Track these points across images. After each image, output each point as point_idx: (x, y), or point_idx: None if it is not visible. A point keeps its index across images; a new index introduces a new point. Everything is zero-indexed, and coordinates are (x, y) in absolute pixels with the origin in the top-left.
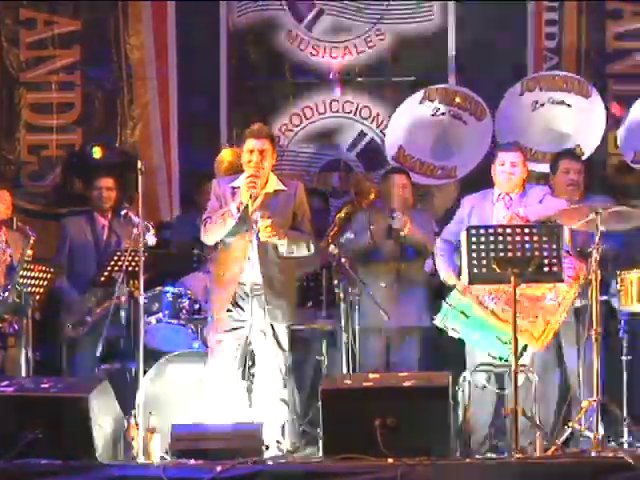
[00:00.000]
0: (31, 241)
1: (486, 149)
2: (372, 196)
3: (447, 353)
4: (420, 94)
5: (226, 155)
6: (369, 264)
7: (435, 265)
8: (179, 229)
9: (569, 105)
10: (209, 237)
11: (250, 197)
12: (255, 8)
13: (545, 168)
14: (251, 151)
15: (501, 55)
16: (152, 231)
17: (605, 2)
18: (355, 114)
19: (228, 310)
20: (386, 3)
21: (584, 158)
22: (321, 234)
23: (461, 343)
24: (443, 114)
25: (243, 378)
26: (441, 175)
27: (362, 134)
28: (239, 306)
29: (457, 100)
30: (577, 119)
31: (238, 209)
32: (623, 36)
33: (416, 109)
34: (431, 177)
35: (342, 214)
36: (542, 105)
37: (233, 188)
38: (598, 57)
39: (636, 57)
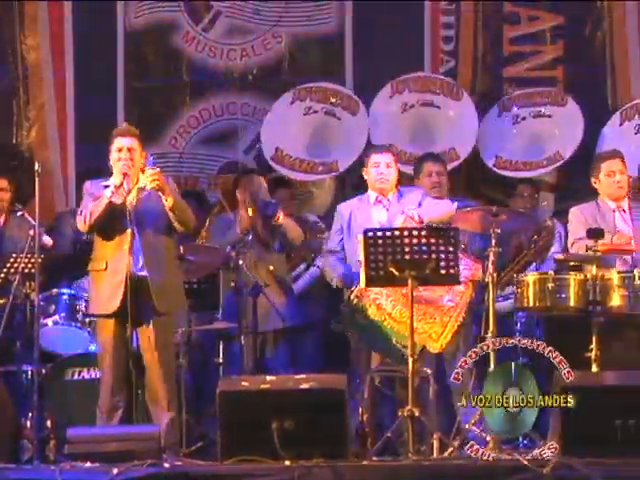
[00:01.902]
0: None
1: (364, 142)
2: (267, 196)
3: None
4: (290, 95)
5: None
6: None
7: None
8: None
9: (439, 107)
10: (84, 220)
11: (124, 176)
12: (152, 9)
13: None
14: (120, 149)
15: (399, 57)
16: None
17: (502, 7)
18: (252, 116)
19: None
20: (284, 5)
21: (460, 161)
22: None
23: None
24: (316, 112)
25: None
26: (323, 170)
27: (259, 136)
28: (124, 306)
29: (329, 97)
30: (448, 122)
31: (112, 192)
32: (519, 40)
33: (288, 110)
34: (312, 173)
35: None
36: (412, 107)
37: (105, 187)
38: (494, 61)
39: (532, 61)
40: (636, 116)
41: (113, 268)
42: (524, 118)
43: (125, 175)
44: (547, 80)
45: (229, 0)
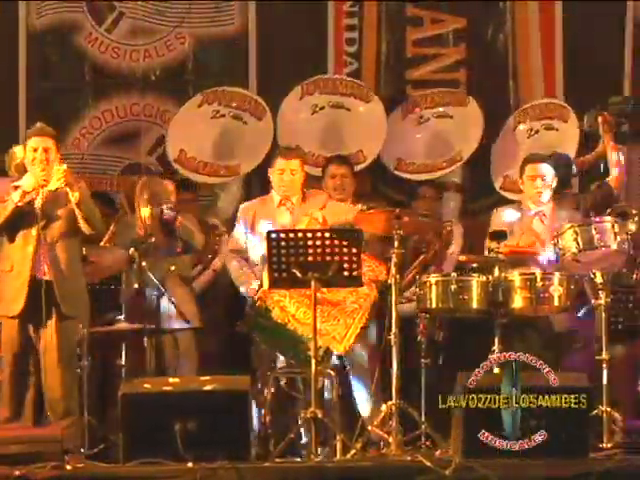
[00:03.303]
0: None
1: (268, 146)
2: (173, 197)
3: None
4: (199, 98)
5: (19, 152)
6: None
7: None
8: None
9: (348, 109)
10: None
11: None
12: (54, 10)
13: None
14: (35, 149)
15: (303, 58)
16: None
17: (405, 9)
18: (156, 117)
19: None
20: (187, 6)
21: (366, 163)
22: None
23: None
24: (223, 116)
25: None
26: (225, 173)
27: (162, 138)
28: (27, 308)
29: (236, 101)
30: (358, 123)
31: (21, 197)
32: (422, 42)
33: (195, 112)
34: (215, 176)
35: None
36: (322, 109)
37: (16, 187)
38: (397, 63)
39: (435, 63)
40: (528, 120)
41: (18, 270)
42: (428, 119)
43: (41, 186)
44: (450, 82)
45: (132, 1)
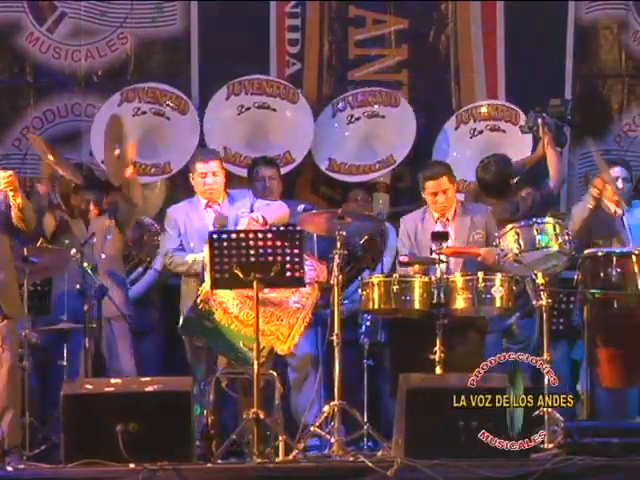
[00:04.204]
0: None
1: (196, 142)
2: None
3: None
4: (118, 96)
5: None
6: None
7: None
8: None
9: (275, 110)
10: None
11: None
12: None
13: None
14: None
15: (245, 59)
16: None
17: (347, 10)
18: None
19: None
20: (129, 6)
21: (295, 164)
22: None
23: None
24: (144, 113)
25: None
26: (156, 172)
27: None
28: None
29: (158, 97)
30: (284, 124)
31: None
32: (364, 43)
33: (116, 111)
34: (146, 175)
35: None
36: (248, 109)
37: None
38: (340, 64)
39: (377, 64)
40: (471, 120)
41: None
42: (358, 118)
43: None
44: (392, 83)
45: (74, 1)
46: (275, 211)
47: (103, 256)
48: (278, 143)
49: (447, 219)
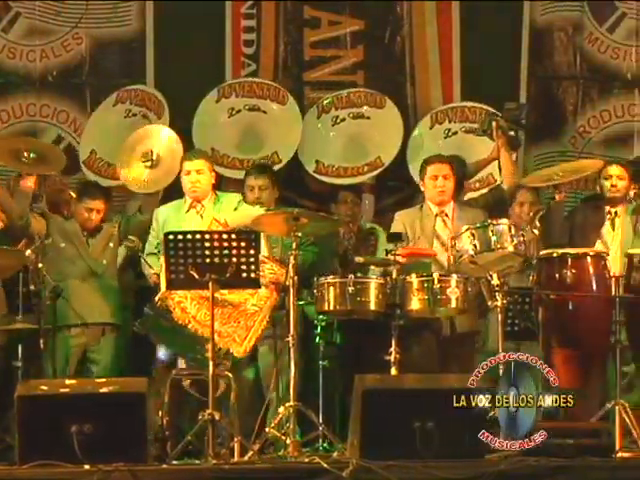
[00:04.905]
0: None
1: None
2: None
3: None
4: (114, 97)
5: None
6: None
7: None
8: None
9: (265, 112)
10: None
11: None
12: None
13: (240, 175)
14: None
15: (201, 59)
16: None
17: (302, 11)
18: (52, 118)
19: None
20: (84, 6)
21: (282, 165)
22: None
23: None
24: (135, 115)
25: None
26: None
27: (59, 138)
28: None
29: (147, 100)
30: (274, 126)
31: None
32: (320, 44)
33: (110, 112)
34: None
35: None
36: (238, 112)
37: None
38: (295, 65)
39: (332, 65)
40: (446, 120)
41: None
42: (343, 119)
43: None
44: (348, 84)
45: (29, 0)
46: (251, 216)
47: (105, 262)
48: (267, 144)
49: (446, 215)
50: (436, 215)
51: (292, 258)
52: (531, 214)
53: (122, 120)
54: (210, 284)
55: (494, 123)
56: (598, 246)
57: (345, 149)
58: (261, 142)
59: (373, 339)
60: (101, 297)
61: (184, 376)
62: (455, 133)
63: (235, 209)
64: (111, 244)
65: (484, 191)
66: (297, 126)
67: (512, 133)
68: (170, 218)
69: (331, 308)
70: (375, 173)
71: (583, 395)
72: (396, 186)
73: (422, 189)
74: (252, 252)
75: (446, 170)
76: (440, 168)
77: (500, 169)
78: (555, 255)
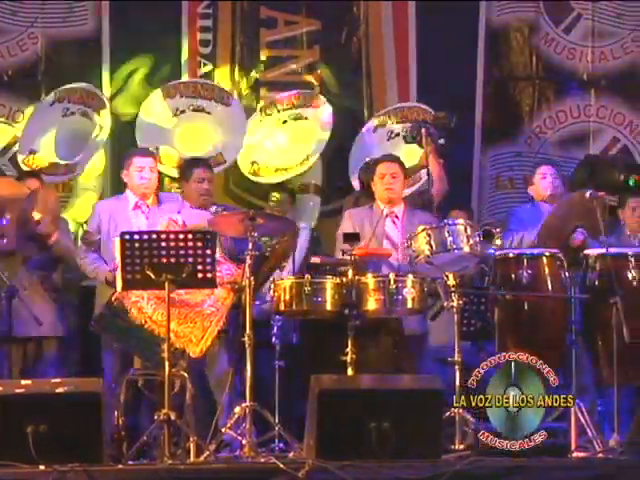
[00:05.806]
0: None
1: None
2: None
3: None
4: (52, 96)
5: None
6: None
7: None
8: None
9: (209, 112)
10: None
11: None
12: None
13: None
14: None
15: (157, 58)
16: None
17: (259, 11)
18: (8, 118)
19: None
20: (40, 6)
21: (226, 165)
22: None
23: None
24: (73, 113)
25: None
26: (66, 172)
27: (14, 138)
28: None
29: (85, 98)
30: (218, 126)
31: None
32: (276, 44)
33: (47, 112)
34: (57, 175)
35: None
36: (183, 112)
37: None
38: (252, 65)
39: (289, 65)
40: (389, 122)
41: None
42: (285, 122)
43: None
44: (303, 84)
45: None
46: (199, 218)
47: None
48: (212, 145)
49: (396, 216)
50: (386, 215)
51: (248, 258)
52: None
53: (60, 119)
54: (166, 284)
55: (423, 130)
56: None
57: (281, 150)
58: (205, 142)
59: (329, 339)
60: None
61: (139, 376)
62: (397, 135)
63: (179, 212)
64: None
65: (414, 188)
66: (242, 128)
67: (442, 141)
68: (114, 215)
69: (287, 308)
70: (302, 170)
71: None
72: (345, 188)
73: (373, 189)
74: (208, 252)
75: (395, 169)
76: (389, 167)
77: (429, 176)
78: (511, 256)
